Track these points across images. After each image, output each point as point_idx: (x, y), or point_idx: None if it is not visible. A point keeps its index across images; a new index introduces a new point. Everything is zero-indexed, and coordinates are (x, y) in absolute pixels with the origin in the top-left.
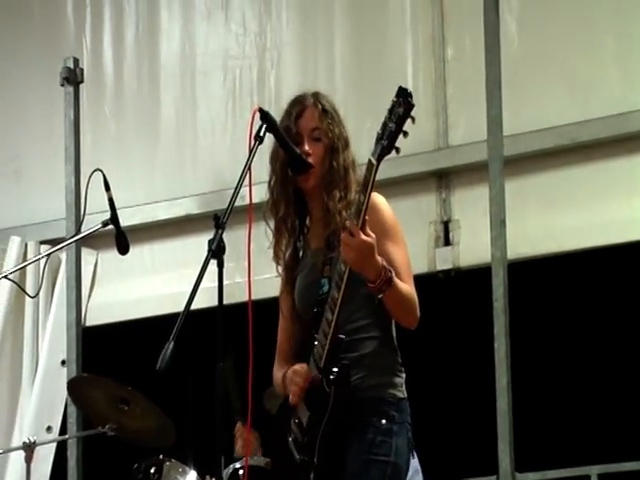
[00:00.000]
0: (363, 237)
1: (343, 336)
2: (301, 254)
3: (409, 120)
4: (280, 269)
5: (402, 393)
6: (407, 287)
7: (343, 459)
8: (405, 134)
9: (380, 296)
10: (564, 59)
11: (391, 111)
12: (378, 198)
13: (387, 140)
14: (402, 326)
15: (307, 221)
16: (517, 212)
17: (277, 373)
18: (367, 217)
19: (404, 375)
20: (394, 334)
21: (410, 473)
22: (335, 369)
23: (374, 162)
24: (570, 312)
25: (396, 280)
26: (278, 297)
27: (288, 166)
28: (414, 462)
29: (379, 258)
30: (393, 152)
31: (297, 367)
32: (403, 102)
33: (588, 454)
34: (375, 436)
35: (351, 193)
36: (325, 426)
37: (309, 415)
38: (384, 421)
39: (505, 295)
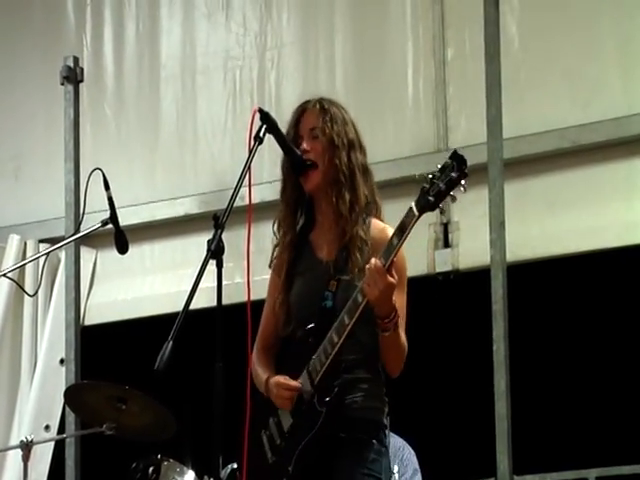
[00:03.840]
0: (389, 279)
1: (344, 358)
2: (299, 255)
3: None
4: (275, 267)
5: (387, 421)
6: (404, 339)
7: (330, 469)
8: (453, 199)
9: (385, 334)
10: (565, 62)
11: (443, 170)
12: None
13: (434, 198)
14: (386, 370)
15: (307, 224)
16: (517, 215)
17: (257, 369)
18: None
19: (387, 407)
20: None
21: (410, 472)
22: (331, 391)
23: (416, 213)
24: (569, 315)
25: (400, 328)
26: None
27: (290, 167)
28: (414, 460)
29: (394, 299)
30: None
31: (281, 380)
32: (458, 168)
33: (586, 457)
34: (369, 454)
35: (360, 197)
36: (308, 441)
37: (292, 423)
38: (375, 441)
39: (504, 298)
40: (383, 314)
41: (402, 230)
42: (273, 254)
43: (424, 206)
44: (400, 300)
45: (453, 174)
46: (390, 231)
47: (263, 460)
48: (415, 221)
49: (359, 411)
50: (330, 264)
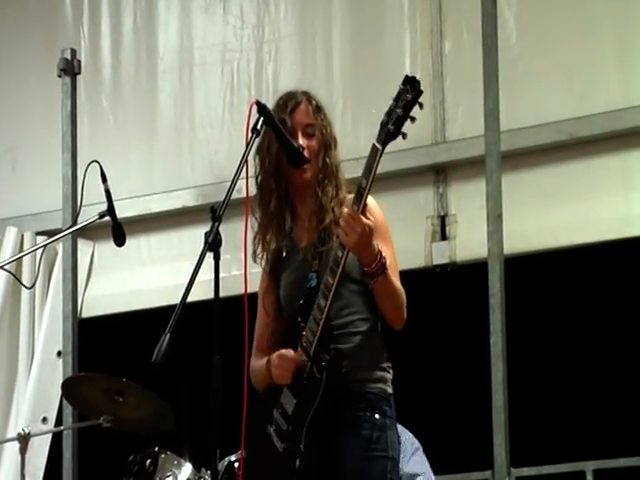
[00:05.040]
0: (364, 220)
1: (334, 323)
2: (285, 254)
3: (416, 107)
4: (264, 264)
5: (390, 389)
6: (398, 283)
7: (334, 448)
8: (413, 119)
9: (373, 281)
10: (562, 54)
11: (398, 98)
12: (368, 199)
13: (394, 125)
14: (389, 325)
15: (290, 222)
16: (514, 207)
17: (256, 363)
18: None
19: (392, 372)
20: (380, 333)
21: (409, 451)
22: (327, 356)
23: (379, 147)
24: (566, 308)
25: (389, 271)
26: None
27: (287, 159)
28: (413, 440)
29: (375, 243)
30: (399, 138)
31: (283, 351)
32: (411, 88)
33: (583, 450)
34: (372, 432)
35: (342, 191)
36: (314, 412)
37: (295, 403)
38: (377, 416)
39: (501, 290)
40: (369, 259)
41: (369, 170)
42: (256, 246)
43: (386, 137)
44: (388, 252)
45: (408, 96)
46: (368, 198)
47: (274, 452)
48: (380, 156)
49: (351, 384)
50: (311, 247)
